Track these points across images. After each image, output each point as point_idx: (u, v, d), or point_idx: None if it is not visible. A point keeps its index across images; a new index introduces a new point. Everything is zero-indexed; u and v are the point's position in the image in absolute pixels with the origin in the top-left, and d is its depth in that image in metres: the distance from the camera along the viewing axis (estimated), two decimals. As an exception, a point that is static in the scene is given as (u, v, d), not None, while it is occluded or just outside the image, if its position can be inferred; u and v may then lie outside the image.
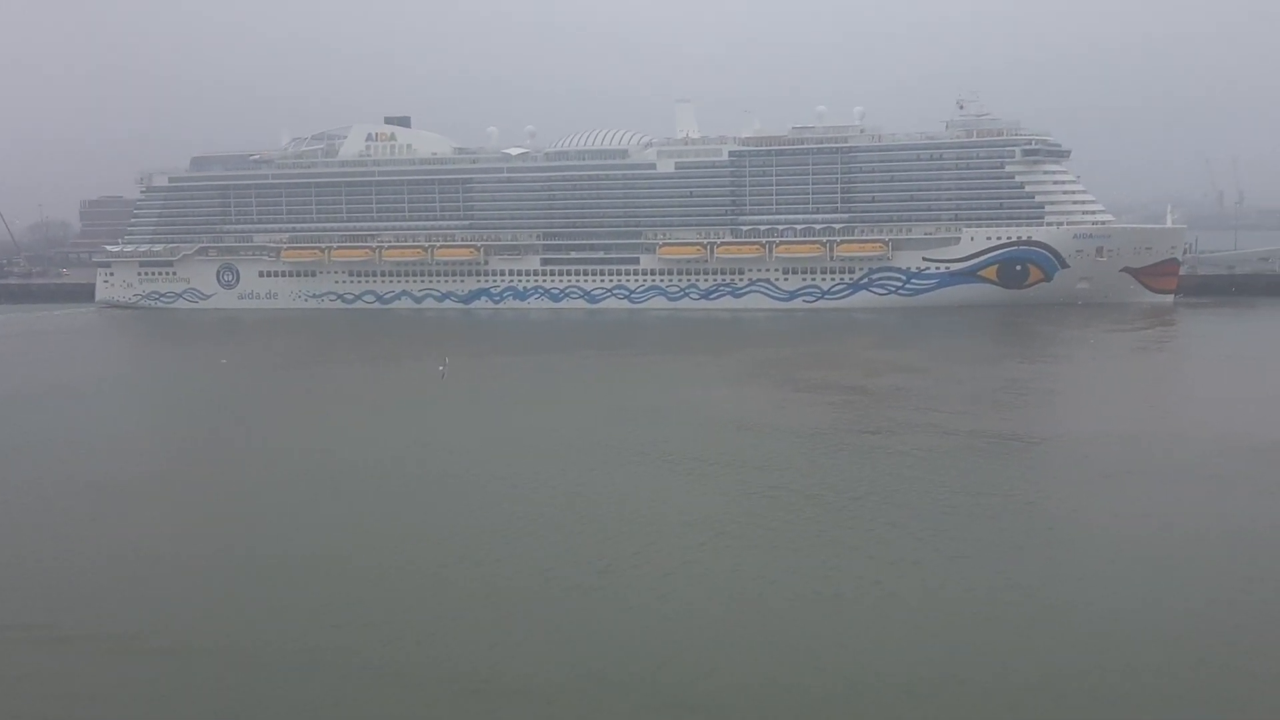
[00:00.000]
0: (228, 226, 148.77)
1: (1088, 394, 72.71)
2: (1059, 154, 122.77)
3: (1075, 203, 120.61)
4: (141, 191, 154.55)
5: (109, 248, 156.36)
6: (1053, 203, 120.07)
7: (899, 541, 40.09)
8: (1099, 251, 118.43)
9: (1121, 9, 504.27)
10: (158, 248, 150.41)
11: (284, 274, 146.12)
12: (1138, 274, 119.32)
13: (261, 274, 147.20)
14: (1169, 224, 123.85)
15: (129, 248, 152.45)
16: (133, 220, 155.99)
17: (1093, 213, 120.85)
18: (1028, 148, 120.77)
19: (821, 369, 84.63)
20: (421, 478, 51.52)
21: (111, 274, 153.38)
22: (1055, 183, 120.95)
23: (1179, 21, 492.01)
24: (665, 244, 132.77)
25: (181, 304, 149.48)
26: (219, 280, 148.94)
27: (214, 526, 44.81)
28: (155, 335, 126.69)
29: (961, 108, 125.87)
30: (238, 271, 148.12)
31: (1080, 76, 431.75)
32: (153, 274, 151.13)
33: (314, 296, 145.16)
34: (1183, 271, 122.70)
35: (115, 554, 41.12)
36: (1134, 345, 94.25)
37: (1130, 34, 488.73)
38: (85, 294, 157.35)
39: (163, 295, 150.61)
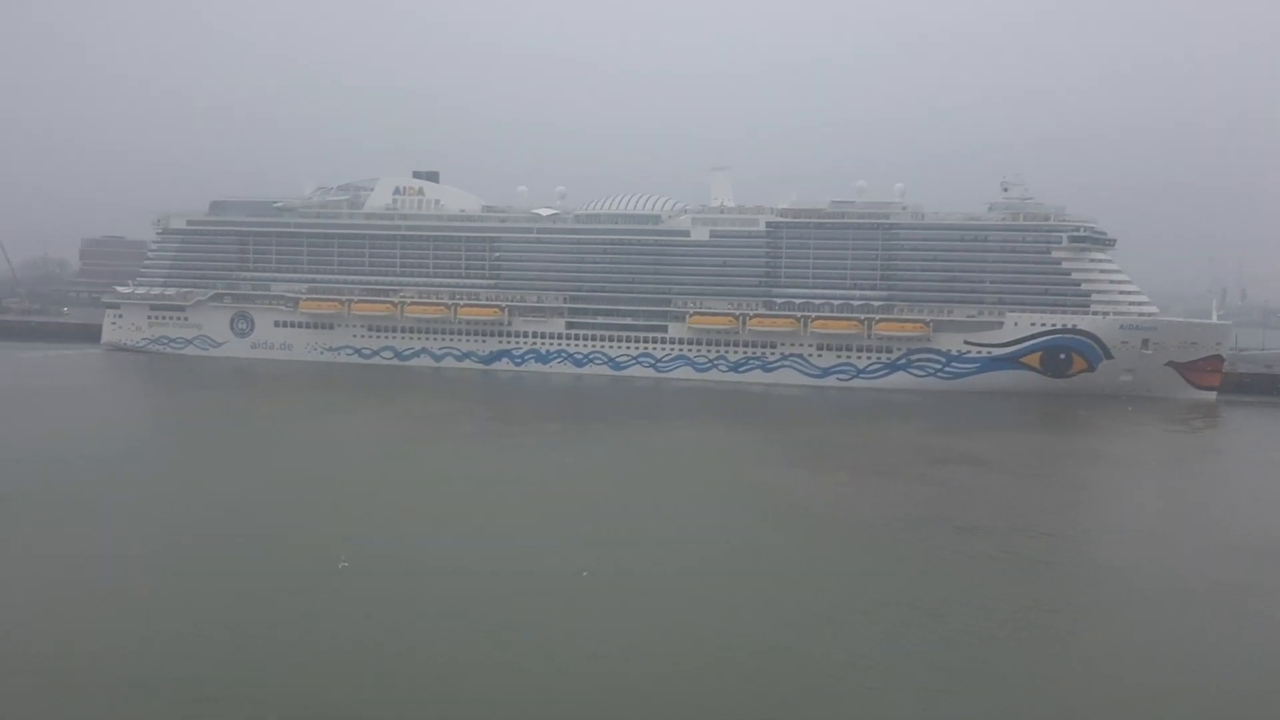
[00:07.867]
0: (245, 274, 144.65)
1: (1184, 501, 68.59)
2: (1105, 242, 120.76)
3: (1122, 292, 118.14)
4: (157, 234, 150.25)
5: (119, 289, 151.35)
6: (1099, 291, 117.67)
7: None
8: (1144, 344, 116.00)
9: (1152, 104, 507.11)
10: (170, 291, 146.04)
11: (300, 325, 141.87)
12: (1181, 369, 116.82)
13: (277, 324, 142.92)
14: (1214, 319, 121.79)
15: (140, 290, 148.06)
16: (146, 262, 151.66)
17: (1139, 303, 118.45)
18: (1075, 234, 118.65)
19: (882, 453, 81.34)
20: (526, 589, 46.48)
21: (120, 316, 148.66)
22: (1101, 271, 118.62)
23: (1205, 117, 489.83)
24: (696, 313, 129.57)
25: (191, 350, 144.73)
26: (232, 328, 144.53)
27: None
28: (185, 387, 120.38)
29: (1005, 190, 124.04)
30: (252, 320, 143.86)
31: (1106, 165, 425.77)
32: (163, 318, 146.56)
33: (330, 350, 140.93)
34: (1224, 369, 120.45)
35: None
36: (1201, 447, 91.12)
37: (1156, 124, 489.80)
38: (88, 334, 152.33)
39: (172, 340, 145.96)
